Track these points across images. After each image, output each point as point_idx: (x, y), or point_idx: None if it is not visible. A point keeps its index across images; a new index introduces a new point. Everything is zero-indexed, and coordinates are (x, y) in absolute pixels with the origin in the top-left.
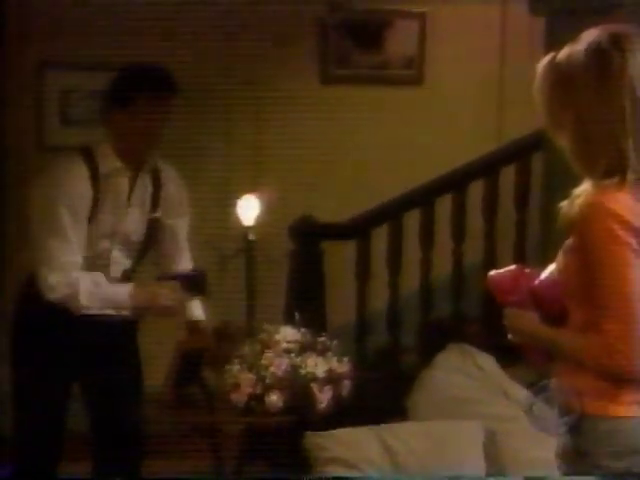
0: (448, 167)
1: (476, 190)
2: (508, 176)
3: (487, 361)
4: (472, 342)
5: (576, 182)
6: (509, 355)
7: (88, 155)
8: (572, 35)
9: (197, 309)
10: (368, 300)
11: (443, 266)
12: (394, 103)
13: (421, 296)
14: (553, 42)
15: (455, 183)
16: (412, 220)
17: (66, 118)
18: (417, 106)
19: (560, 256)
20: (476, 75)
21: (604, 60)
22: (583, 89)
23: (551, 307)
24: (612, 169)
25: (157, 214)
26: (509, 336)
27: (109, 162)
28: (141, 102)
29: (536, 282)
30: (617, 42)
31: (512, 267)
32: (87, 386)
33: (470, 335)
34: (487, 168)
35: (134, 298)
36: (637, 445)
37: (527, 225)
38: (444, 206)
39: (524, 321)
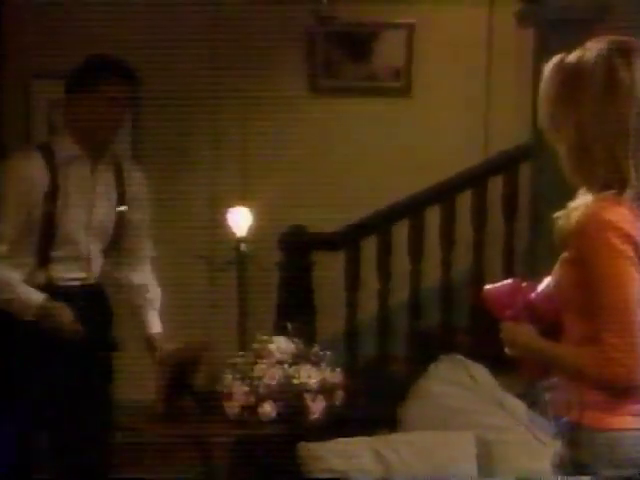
0: (436, 178)
1: (464, 200)
2: (496, 187)
3: (480, 371)
4: (461, 351)
5: (564, 192)
6: (498, 364)
7: (45, 148)
8: (560, 46)
9: (155, 323)
10: (358, 310)
11: (432, 276)
12: (382, 114)
13: (410, 306)
14: (541, 53)
15: (443, 194)
16: (401, 230)
17: (55, 127)
18: (405, 117)
19: (556, 269)
20: (463, 86)
21: (612, 70)
22: (588, 97)
23: (547, 320)
24: (610, 182)
25: (123, 208)
26: (506, 350)
27: (65, 150)
28: (97, 87)
29: (532, 295)
30: (626, 54)
31: (509, 281)
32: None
33: (459, 345)
34: (475, 179)
35: (41, 309)
36: (635, 458)
37: (515, 235)
38: (433, 216)
39: (521, 334)
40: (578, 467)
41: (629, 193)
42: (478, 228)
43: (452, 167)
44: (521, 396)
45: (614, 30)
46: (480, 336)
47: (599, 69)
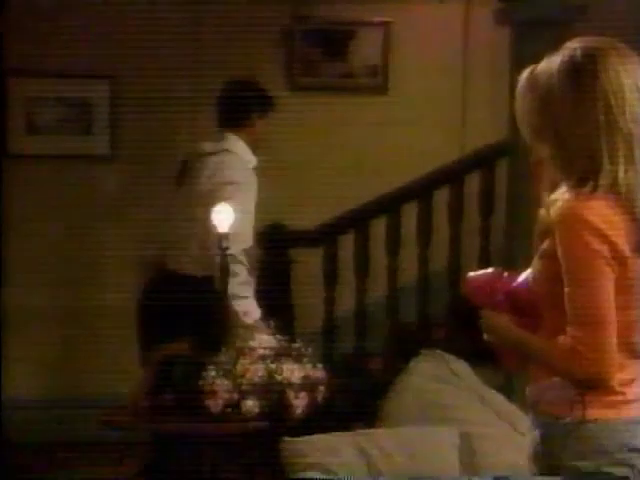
0: (413, 174)
1: (441, 197)
2: (473, 183)
3: (461, 366)
4: (439, 346)
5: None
6: (476, 359)
7: None
8: (537, 45)
9: None
10: (336, 306)
11: (409, 272)
12: (360, 112)
13: (388, 301)
14: (519, 51)
15: (421, 190)
16: (379, 227)
17: (31, 126)
18: (382, 115)
19: (535, 261)
20: (440, 84)
21: (577, 75)
22: (559, 103)
23: (527, 311)
24: (586, 176)
25: None
26: (485, 336)
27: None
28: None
29: (513, 285)
30: (591, 57)
31: (490, 270)
32: None
33: (437, 340)
34: (452, 175)
35: None
36: (604, 446)
37: (492, 231)
38: (410, 213)
39: (499, 323)
40: (549, 457)
41: (604, 185)
42: (455, 224)
43: (429, 164)
44: (501, 389)
45: (592, 30)
46: (458, 331)
47: (564, 77)
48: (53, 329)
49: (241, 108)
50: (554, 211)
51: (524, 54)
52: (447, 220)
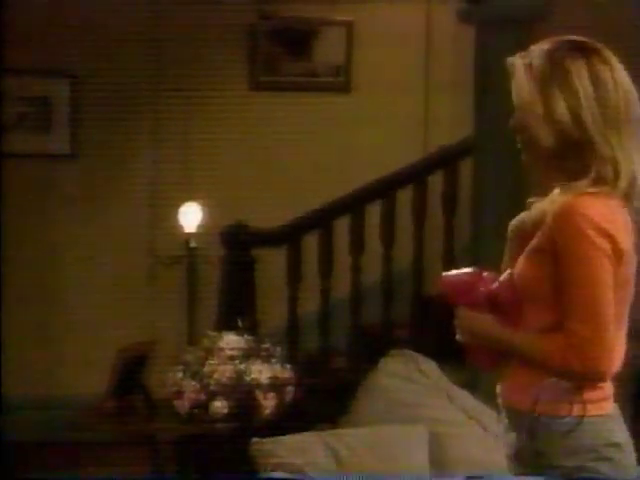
0: (377, 174)
1: (405, 196)
2: (437, 182)
3: (429, 365)
4: (403, 346)
5: (504, 188)
6: (440, 358)
7: None
8: (501, 43)
9: None
10: (299, 306)
11: (373, 271)
12: (322, 110)
13: (352, 301)
14: (482, 50)
15: (384, 190)
16: (342, 226)
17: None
18: (345, 113)
19: (521, 260)
20: (403, 82)
21: (566, 71)
22: (549, 96)
23: (505, 311)
24: (583, 173)
25: None
26: (458, 336)
27: None
28: None
29: (494, 285)
30: (600, 50)
31: (468, 269)
32: None
33: (400, 339)
34: (415, 175)
35: None
36: (592, 443)
37: (455, 231)
38: (374, 212)
39: (479, 322)
40: (536, 456)
41: (604, 186)
42: (418, 224)
43: (392, 163)
44: (469, 388)
45: (555, 29)
46: (423, 330)
47: (554, 71)
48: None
49: None
50: (552, 211)
51: (487, 53)
52: (411, 220)
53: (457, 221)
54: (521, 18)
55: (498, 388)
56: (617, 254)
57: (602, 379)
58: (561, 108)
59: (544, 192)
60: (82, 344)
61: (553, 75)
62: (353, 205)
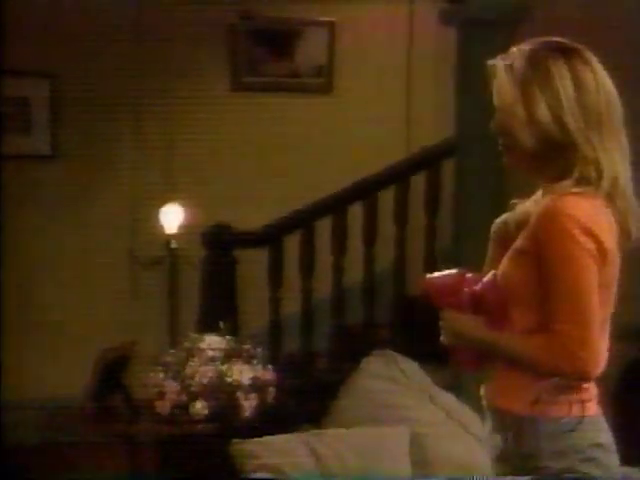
0: (359, 174)
1: (387, 197)
2: (419, 183)
3: (411, 366)
4: (385, 346)
5: (486, 189)
6: (422, 359)
7: None
8: (482, 44)
9: None
10: (281, 306)
11: (355, 272)
12: (304, 111)
13: (334, 302)
14: (463, 51)
15: (366, 190)
16: (324, 227)
17: None
18: (327, 114)
19: (505, 262)
20: (385, 83)
21: (547, 72)
22: (530, 98)
23: (490, 312)
24: (566, 173)
25: None
26: (442, 338)
27: None
28: None
29: (478, 286)
30: (579, 51)
31: (453, 271)
32: None
33: (382, 340)
34: (398, 175)
35: None
36: (578, 445)
37: (438, 231)
38: (356, 213)
39: (464, 323)
40: (522, 457)
41: (591, 188)
42: (401, 224)
43: (375, 163)
44: (450, 388)
45: (536, 31)
46: (405, 331)
47: (562, 68)
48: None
49: None
50: (535, 210)
51: (469, 54)
52: (393, 220)
53: (439, 222)
54: (503, 19)
55: (482, 390)
56: (602, 254)
57: (588, 379)
58: (542, 109)
59: (527, 194)
60: (62, 345)
61: (534, 76)
62: (335, 206)
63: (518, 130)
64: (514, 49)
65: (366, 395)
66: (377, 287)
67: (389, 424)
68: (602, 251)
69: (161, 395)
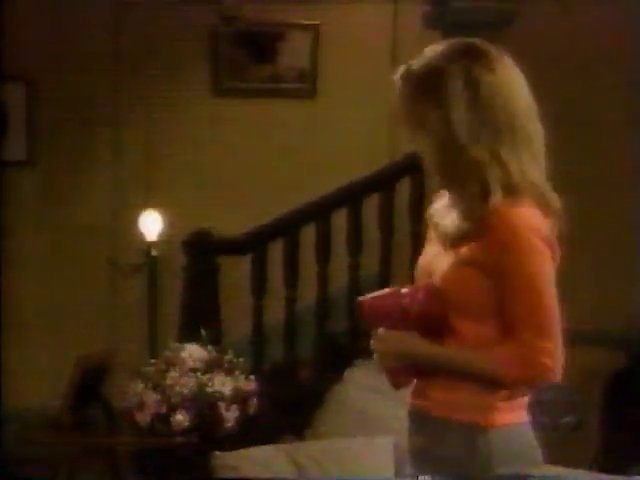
0: (342, 180)
1: (372, 203)
2: (404, 189)
3: None
4: (369, 356)
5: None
6: None
7: None
8: None
9: None
10: (264, 315)
11: (340, 280)
12: (287, 116)
13: (318, 310)
14: None
15: (351, 197)
16: (308, 234)
17: None
18: (310, 119)
19: (452, 273)
20: (368, 88)
21: (440, 75)
22: (455, 102)
23: (432, 325)
24: (479, 188)
25: None
26: (376, 358)
27: None
28: None
29: (416, 300)
30: (484, 53)
31: (386, 290)
32: None
33: (367, 349)
34: (382, 181)
35: None
36: (524, 451)
37: (422, 237)
38: (340, 219)
39: (409, 342)
40: (470, 465)
41: (525, 192)
42: (386, 231)
43: (358, 169)
44: None
45: (520, 36)
46: None
47: (457, 70)
48: None
49: None
50: (489, 222)
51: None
52: (378, 227)
53: (424, 228)
54: (488, 23)
55: (415, 400)
56: (554, 259)
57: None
58: (433, 115)
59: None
60: (38, 353)
61: (427, 80)
62: (319, 213)
63: (420, 137)
64: (425, 49)
65: (349, 405)
66: (362, 295)
67: (373, 434)
68: (554, 257)
69: (141, 406)
